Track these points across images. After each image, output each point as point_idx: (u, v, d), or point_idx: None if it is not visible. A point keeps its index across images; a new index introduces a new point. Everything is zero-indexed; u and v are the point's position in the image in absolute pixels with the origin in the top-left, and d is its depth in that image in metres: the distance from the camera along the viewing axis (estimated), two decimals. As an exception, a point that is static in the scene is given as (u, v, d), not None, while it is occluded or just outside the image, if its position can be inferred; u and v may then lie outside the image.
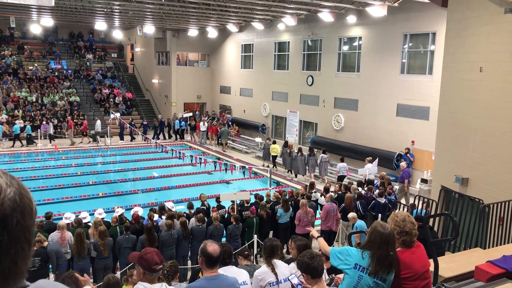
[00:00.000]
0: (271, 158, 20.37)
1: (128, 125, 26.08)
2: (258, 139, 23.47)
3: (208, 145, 26.27)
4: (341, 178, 16.79)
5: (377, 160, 16.41)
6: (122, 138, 26.41)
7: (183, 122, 27.45)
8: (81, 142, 25.25)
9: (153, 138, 25.77)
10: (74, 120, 26.36)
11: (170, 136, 27.73)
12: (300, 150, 18.94)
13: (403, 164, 15.83)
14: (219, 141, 25.58)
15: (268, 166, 20.00)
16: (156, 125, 27.09)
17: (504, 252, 5.12)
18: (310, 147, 19.42)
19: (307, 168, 18.61)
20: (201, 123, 26.88)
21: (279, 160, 20.39)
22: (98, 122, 25.78)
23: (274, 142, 20.64)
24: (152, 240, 8.95)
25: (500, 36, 9.45)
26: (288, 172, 19.55)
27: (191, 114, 28.40)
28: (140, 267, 3.65)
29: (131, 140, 26.33)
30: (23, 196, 1.01)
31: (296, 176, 19.09)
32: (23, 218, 0.98)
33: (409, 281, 3.43)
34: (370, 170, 15.39)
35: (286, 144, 19.68)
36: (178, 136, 27.55)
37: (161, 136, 27.21)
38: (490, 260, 4.78)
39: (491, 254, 5.32)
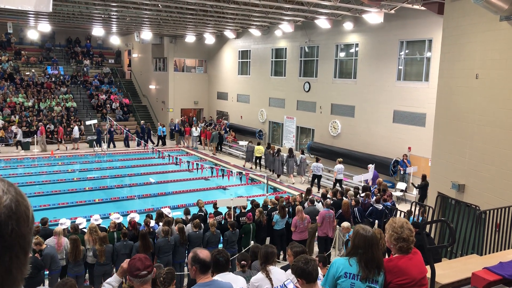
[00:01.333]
0: (254, 159, 21.45)
1: (110, 130, 25.73)
2: (243, 142, 24.08)
3: (201, 149, 26.37)
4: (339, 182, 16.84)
5: (373, 166, 16.44)
6: (99, 145, 25.36)
7: (164, 128, 27.28)
8: (58, 149, 24.28)
9: (138, 145, 25.51)
10: (71, 126, 26.29)
11: (153, 142, 26.98)
12: (278, 150, 19.82)
13: (370, 165, 16.41)
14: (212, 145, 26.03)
15: (251, 168, 21.33)
16: (139, 131, 26.63)
17: (501, 259, 5.12)
18: (289, 148, 20.49)
19: (285, 168, 19.59)
20: (193, 128, 26.95)
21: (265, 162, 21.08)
22: (76, 129, 24.90)
23: (259, 144, 21.90)
24: (146, 246, 8.89)
25: (496, 43, 9.52)
26: (271, 172, 20.15)
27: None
28: (128, 274, 3.67)
29: (125, 146, 26.26)
30: (20, 203, 1.00)
31: (278, 176, 19.72)
32: (18, 226, 0.97)
33: (406, 287, 3.43)
34: (365, 176, 15.44)
35: (269, 146, 20.71)
36: (160, 142, 27.12)
37: (142, 142, 26.18)
38: (486, 267, 4.78)
39: (487, 260, 5.32)
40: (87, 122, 26.32)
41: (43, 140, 24.41)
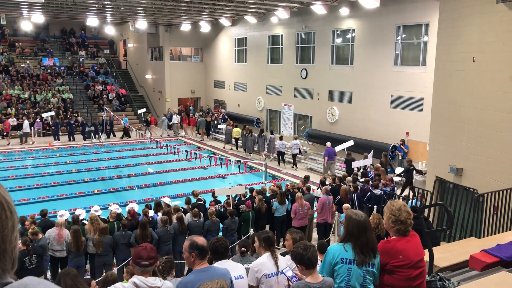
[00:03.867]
0: (233, 141, 23.21)
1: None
2: (222, 125, 25.51)
3: (183, 137, 26.66)
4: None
5: (372, 152, 16.47)
6: (73, 138, 24.98)
7: (126, 118, 26.65)
8: (9, 144, 23.28)
9: (95, 138, 24.68)
10: (68, 117, 26.21)
11: (114, 135, 26.29)
12: (250, 131, 21.72)
13: (328, 144, 17.77)
14: (198, 132, 26.40)
15: (231, 149, 23.28)
16: (96, 123, 25.42)
17: (498, 241, 5.16)
18: (261, 129, 23.00)
19: (257, 147, 21.51)
20: (174, 116, 26.89)
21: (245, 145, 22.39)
22: (26, 123, 23.92)
23: (236, 126, 23.99)
24: (144, 235, 8.90)
25: (493, 26, 9.47)
26: (244, 151, 22.18)
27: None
28: (131, 259, 3.73)
29: (122, 137, 26.22)
30: None
31: (249, 154, 21.51)
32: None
33: (403, 269, 3.46)
34: (364, 162, 15.47)
35: (244, 127, 22.58)
36: (124, 135, 26.11)
37: (103, 136, 25.42)
38: (484, 249, 4.82)
39: (485, 243, 5.36)
40: (43, 115, 25.39)
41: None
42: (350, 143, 17.37)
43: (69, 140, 24.77)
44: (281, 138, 20.17)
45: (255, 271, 4.33)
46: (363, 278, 3.41)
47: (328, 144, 17.85)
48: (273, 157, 20.73)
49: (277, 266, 4.31)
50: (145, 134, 25.18)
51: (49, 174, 18.14)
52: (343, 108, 20.31)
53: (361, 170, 15.00)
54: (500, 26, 9.24)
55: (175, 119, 26.87)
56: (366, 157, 15.85)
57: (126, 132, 26.32)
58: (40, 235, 8.44)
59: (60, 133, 25.00)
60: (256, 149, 21.58)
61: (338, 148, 17.31)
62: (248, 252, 5.64)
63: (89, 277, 8.90)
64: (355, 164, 15.58)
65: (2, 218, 0.99)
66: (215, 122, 26.54)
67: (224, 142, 24.03)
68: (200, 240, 3.69)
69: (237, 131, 23.00)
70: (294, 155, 19.42)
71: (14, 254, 1.02)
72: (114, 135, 26.24)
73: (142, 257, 3.68)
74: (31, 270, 7.82)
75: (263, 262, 4.37)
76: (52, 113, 25.91)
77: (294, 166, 19.37)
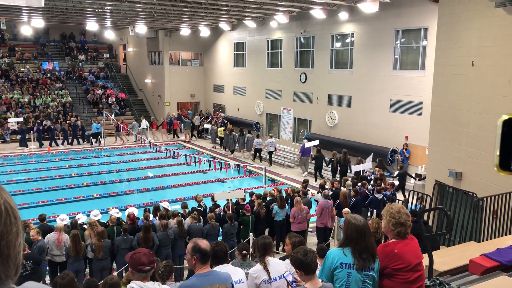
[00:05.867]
0: (217, 140, 24.80)
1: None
2: (207, 125, 26.95)
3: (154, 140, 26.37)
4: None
5: (371, 156, 16.47)
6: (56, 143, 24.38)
7: (99, 124, 24.82)
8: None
9: (62, 144, 24.23)
10: (68, 122, 26.19)
11: (86, 140, 25.17)
12: (231, 130, 23.25)
13: (305, 141, 19.45)
14: (176, 133, 27.30)
15: (214, 147, 24.90)
16: (66, 128, 24.78)
17: (498, 245, 5.16)
18: (240, 128, 24.35)
19: (237, 145, 22.98)
20: (142, 121, 26.62)
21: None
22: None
23: (221, 126, 25.04)
24: (147, 239, 8.92)
25: (491, 30, 9.50)
26: (225, 149, 23.74)
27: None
28: (130, 266, 3.69)
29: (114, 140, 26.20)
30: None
31: (232, 152, 22.98)
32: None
33: (402, 272, 3.46)
34: (364, 166, 15.49)
35: (225, 127, 24.20)
36: (93, 141, 24.68)
37: (75, 141, 24.93)
38: (484, 253, 4.81)
39: (485, 247, 5.35)
40: (9, 120, 24.50)
41: None
42: (316, 142, 18.95)
43: (56, 145, 24.33)
44: (258, 136, 21.70)
45: (254, 277, 4.33)
46: (363, 283, 3.41)
47: (305, 141, 19.39)
48: (250, 155, 22.54)
49: (268, 272, 4.33)
50: (116, 141, 25.46)
51: (49, 178, 18.11)
52: (342, 112, 20.32)
53: (362, 173, 15.03)
54: (499, 31, 9.27)
55: (144, 123, 26.46)
56: (360, 162, 15.93)
57: (92, 138, 24.90)
58: (40, 237, 8.43)
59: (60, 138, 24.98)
60: (237, 147, 23.09)
61: (308, 145, 18.72)
62: (249, 256, 5.63)
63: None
64: (355, 168, 15.61)
65: (7, 223, 0.98)
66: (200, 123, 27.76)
67: (211, 141, 25.62)
68: (204, 244, 3.64)
69: (220, 131, 24.52)
70: (270, 153, 20.96)
71: (18, 260, 1.02)
72: (79, 142, 24.99)
73: (144, 263, 3.65)
74: (26, 276, 7.74)
75: (262, 268, 4.37)
76: (20, 119, 24.79)
77: (271, 164, 20.80)
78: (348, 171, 17.03)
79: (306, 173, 18.83)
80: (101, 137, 24.96)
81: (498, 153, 1.31)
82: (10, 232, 1.00)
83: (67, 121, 26.22)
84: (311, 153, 19.05)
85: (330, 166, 17.76)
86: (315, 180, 17.61)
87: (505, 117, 1.30)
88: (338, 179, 15.36)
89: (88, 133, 25.20)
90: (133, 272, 3.70)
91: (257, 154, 21.52)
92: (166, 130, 28.24)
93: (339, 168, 17.12)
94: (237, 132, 23.49)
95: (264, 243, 4.56)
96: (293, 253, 3.69)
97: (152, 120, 27.82)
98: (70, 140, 24.98)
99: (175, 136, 27.60)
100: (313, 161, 18.36)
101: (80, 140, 25.29)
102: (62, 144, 24.60)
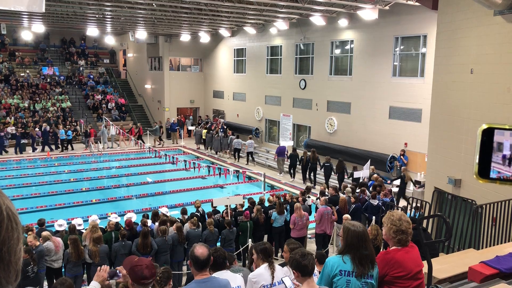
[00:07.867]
0: (202, 141, 26.34)
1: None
2: (191, 127, 28.71)
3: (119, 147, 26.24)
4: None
5: (368, 162, 16.48)
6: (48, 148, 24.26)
7: (69, 132, 24.90)
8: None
9: (33, 151, 23.81)
10: (67, 127, 26.17)
11: (57, 147, 24.66)
12: (217, 132, 25.00)
13: (281, 142, 21.81)
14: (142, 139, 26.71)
15: (198, 148, 26.40)
16: (34, 135, 24.02)
17: (497, 253, 5.14)
18: (225, 129, 25.34)
19: (221, 146, 24.58)
20: (112, 128, 26.34)
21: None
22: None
23: (205, 129, 26.42)
24: (146, 245, 8.89)
25: (490, 38, 9.54)
26: (209, 149, 25.57)
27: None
28: (129, 276, 3.61)
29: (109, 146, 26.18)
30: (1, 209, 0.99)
31: (216, 153, 24.74)
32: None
33: (403, 280, 3.45)
34: (363, 173, 15.51)
35: (209, 130, 25.85)
36: (64, 147, 24.58)
37: (46, 148, 24.32)
38: (483, 261, 4.80)
39: (484, 254, 5.34)
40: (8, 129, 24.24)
41: None
42: (291, 142, 21.77)
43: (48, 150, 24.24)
44: (237, 137, 23.53)
45: (253, 282, 4.31)
46: None
47: (281, 143, 21.50)
48: (230, 155, 24.19)
49: (273, 278, 4.30)
50: (86, 148, 25.05)
51: (47, 183, 18.08)
52: (342, 119, 20.35)
53: (361, 180, 15.03)
54: (498, 38, 9.31)
55: (113, 130, 26.24)
56: (356, 169, 15.97)
57: (66, 146, 24.85)
58: (38, 243, 8.40)
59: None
60: (220, 148, 24.73)
61: (284, 144, 21.00)
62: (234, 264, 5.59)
63: (86, 287, 8.85)
64: (357, 175, 15.63)
65: (8, 229, 0.98)
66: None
67: (195, 143, 26.97)
68: (199, 251, 3.57)
69: (205, 133, 26.13)
70: (248, 153, 22.71)
71: (18, 266, 1.02)
72: (51, 149, 24.40)
73: (147, 277, 3.54)
74: (31, 279, 7.76)
75: (261, 273, 4.35)
76: (12, 127, 24.69)
77: (251, 163, 22.61)
78: (346, 177, 17.13)
79: (282, 173, 20.31)
80: (100, 142, 24.96)
81: (477, 161, 1.32)
82: (11, 238, 0.99)
83: (35, 128, 25.17)
84: (286, 152, 20.29)
85: (300, 164, 19.15)
86: (291, 177, 19.44)
87: (485, 126, 1.32)
88: (337, 185, 15.40)
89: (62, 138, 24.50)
90: (133, 284, 3.60)
91: (237, 153, 23.27)
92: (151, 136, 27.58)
93: (309, 165, 18.55)
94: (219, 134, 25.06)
95: (265, 248, 4.56)
96: (292, 255, 3.69)
97: (90, 128, 25.84)
98: (42, 147, 24.30)
99: (161, 141, 27.37)
100: (289, 160, 19.65)
101: (53, 147, 24.63)
102: (33, 151, 23.96)
